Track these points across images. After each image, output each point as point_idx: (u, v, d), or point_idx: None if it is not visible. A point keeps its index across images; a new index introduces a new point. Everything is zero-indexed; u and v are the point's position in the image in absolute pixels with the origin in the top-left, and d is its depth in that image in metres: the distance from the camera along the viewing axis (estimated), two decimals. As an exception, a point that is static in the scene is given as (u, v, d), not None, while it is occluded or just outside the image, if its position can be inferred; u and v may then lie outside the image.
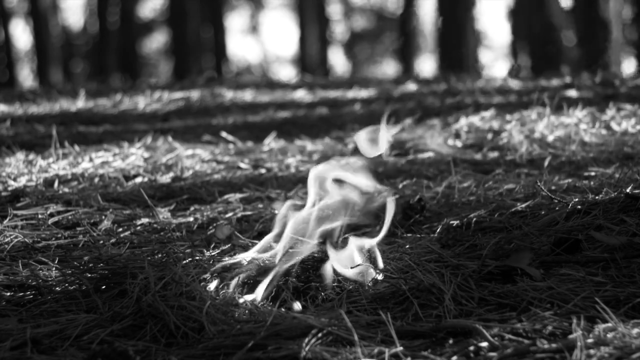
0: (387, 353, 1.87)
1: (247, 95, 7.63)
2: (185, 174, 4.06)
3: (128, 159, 4.37)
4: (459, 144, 4.69)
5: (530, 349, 1.84)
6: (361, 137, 2.52)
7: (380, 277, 2.36)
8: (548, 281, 2.27)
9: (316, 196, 2.42)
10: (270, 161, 4.46)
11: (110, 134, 5.45)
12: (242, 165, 4.34)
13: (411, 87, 7.79)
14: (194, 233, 3.13)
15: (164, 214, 3.32)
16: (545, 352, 1.83)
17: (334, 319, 2.01)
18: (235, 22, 46.12)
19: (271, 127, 5.59)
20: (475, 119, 5.09)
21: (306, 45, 24.37)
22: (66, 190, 3.69)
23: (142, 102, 7.02)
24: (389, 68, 31.92)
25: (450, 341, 1.94)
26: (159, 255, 2.62)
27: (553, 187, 3.38)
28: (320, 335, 1.94)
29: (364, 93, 7.57)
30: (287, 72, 32.31)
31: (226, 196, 3.61)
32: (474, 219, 2.93)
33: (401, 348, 1.89)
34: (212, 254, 2.69)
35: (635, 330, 1.89)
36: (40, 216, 3.28)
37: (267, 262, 2.35)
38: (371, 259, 2.40)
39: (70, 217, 3.30)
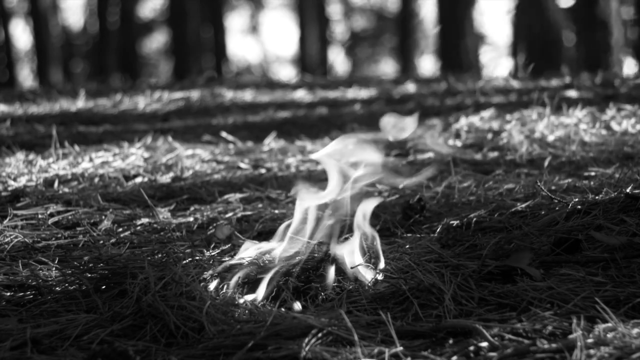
0: (387, 353, 1.87)
1: (247, 95, 7.63)
2: (185, 174, 4.06)
3: (128, 159, 4.37)
4: (459, 144, 4.69)
5: (530, 349, 1.84)
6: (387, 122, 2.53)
7: (380, 277, 2.36)
8: (548, 281, 2.27)
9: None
10: (270, 161, 4.46)
11: (110, 134, 5.45)
12: (242, 165, 4.34)
13: (411, 87, 7.79)
14: (194, 233, 3.13)
15: (164, 214, 3.32)
16: (545, 352, 1.83)
17: (334, 319, 2.01)
18: (235, 22, 46.12)
19: (271, 127, 5.59)
20: (475, 119, 5.09)
21: (306, 45, 24.37)
22: (66, 190, 3.69)
23: (142, 102, 7.02)
24: (388, 67, 31.93)
25: (450, 341, 1.94)
26: (159, 255, 2.62)
27: (553, 187, 3.38)
28: (320, 335, 1.94)
29: (363, 93, 7.57)
30: (287, 72, 32.32)
31: (226, 196, 3.61)
32: (474, 219, 2.93)
33: (401, 348, 1.89)
34: (212, 254, 2.69)
35: (635, 330, 1.89)
36: (40, 216, 3.28)
37: (267, 262, 2.35)
38: (372, 258, 2.40)
39: (70, 217, 3.30)
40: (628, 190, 2.82)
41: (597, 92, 6.50)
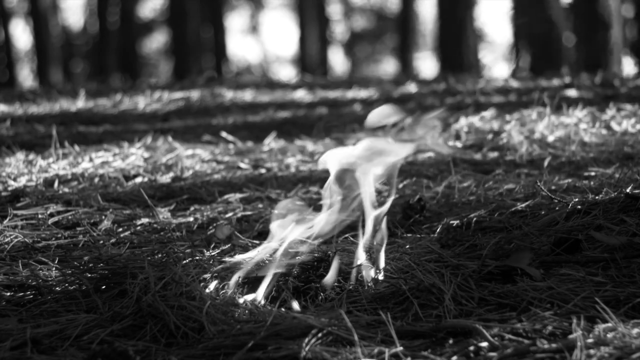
0: (387, 353, 1.87)
1: (247, 95, 7.63)
2: (185, 174, 4.06)
3: (128, 159, 4.37)
4: (459, 144, 4.69)
5: (530, 349, 1.84)
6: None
7: (380, 277, 2.36)
8: (548, 281, 2.27)
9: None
10: (270, 161, 4.46)
11: (110, 134, 5.45)
12: (242, 165, 4.34)
13: (411, 87, 7.79)
14: (194, 233, 3.13)
15: (164, 214, 3.32)
16: (545, 352, 1.83)
17: (334, 319, 2.01)
18: (235, 22, 46.11)
19: (271, 127, 5.59)
20: (475, 119, 5.09)
21: (306, 45, 24.36)
22: (66, 190, 3.69)
23: (142, 102, 7.02)
24: (388, 67, 31.92)
25: (450, 341, 1.94)
26: (159, 255, 2.62)
27: (553, 187, 3.38)
28: (320, 335, 1.94)
29: (363, 93, 7.57)
30: (287, 72, 32.31)
31: (226, 196, 3.61)
32: (474, 219, 2.93)
33: (401, 348, 1.89)
34: (212, 254, 2.69)
35: (635, 330, 1.89)
36: (40, 216, 3.28)
37: (267, 262, 2.35)
38: (372, 258, 2.40)
39: (70, 217, 3.30)
40: (628, 190, 2.82)
41: (597, 92, 6.50)
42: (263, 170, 4.22)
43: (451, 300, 2.17)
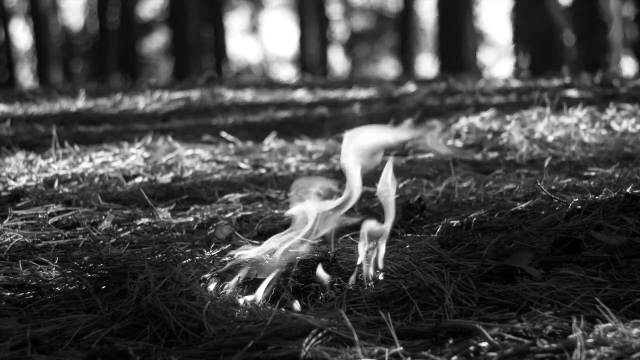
0: (387, 353, 1.87)
1: (247, 95, 7.63)
2: (185, 174, 4.06)
3: (128, 159, 4.37)
4: (459, 144, 4.69)
5: (530, 349, 1.84)
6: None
7: (380, 277, 2.36)
8: (548, 281, 2.27)
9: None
10: (270, 161, 4.46)
11: (110, 134, 5.45)
12: (242, 165, 4.34)
13: (411, 87, 7.79)
14: (194, 233, 3.13)
15: (164, 214, 3.32)
16: (545, 352, 1.83)
17: (334, 319, 2.01)
18: (235, 22, 46.12)
19: (271, 127, 5.59)
20: (475, 119, 5.09)
21: (306, 45, 24.36)
22: (66, 190, 3.69)
23: (142, 102, 7.02)
24: (388, 67, 31.92)
25: (450, 341, 1.94)
26: (159, 255, 2.62)
27: (553, 187, 3.38)
28: (320, 335, 1.94)
29: (363, 93, 7.57)
30: (287, 72, 32.31)
31: (226, 196, 3.61)
32: (474, 219, 2.93)
33: (401, 348, 1.89)
34: (212, 254, 2.69)
35: (635, 330, 1.89)
36: (40, 216, 3.28)
37: (267, 262, 2.35)
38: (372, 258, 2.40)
39: (70, 217, 3.30)
40: (628, 190, 2.82)
41: (597, 92, 6.50)
42: (263, 170, 4.22)
43: (451, 300, 2.17)
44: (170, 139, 4.95)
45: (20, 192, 3.61)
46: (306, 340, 1.91)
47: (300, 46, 24.78)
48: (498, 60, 30.82)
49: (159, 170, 4.13)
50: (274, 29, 56.82)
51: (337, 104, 6.99)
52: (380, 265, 2.39)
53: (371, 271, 2.36)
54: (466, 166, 4.10)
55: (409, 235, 2.94)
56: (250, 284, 2.29)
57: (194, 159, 4.45)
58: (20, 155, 4.42)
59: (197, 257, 2.56)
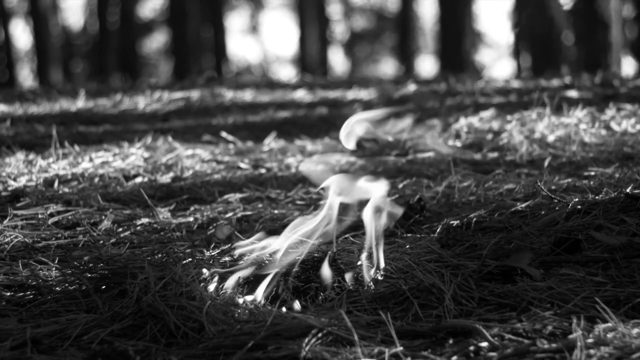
0: (387, 353, 1.87)
1: (247, 95, 7.63)
2: (185, 174, 4.06)
3: (128, 159, 4.37)
4: (459, 144, 4.69)
5: (530, 349, 1.84)
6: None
7: (380, 277, 2.36)
8: (548, 281, 2.27)
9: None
10: (270, 161, 4.46)
11: (110, 134, 5.46)
12: (242, 165, 4.34)
13: (411, 87, 7.79)
14: (194, 233, 3.13)
15: (164, 214, 3.32)
16: (545, 352, 1.83)
17: (334, 319, 2.01)
18: (235, 22, 46.12)
19: (271, 127, 5.59)
20: (475, 120, 5.09)
21: (306, 45, 24.36)
22: (66, 190, 3.69)
23: (142, 102, 7.02)
24: (388, 67, 31.92)
25: (450, 341, 1.94)
26: (159, 255, 2.62)
27: (553, 187, 3.38)
28: (320, 335, 1.94)
29: (363, 93, 7.57)
30: (287, 72, 32.31)
31: (226, 196, 3.61)
32: (474, 219, 2.93)
33: (401, 348, 1.89)
34: (212, 254, 2.69)
35: (635, 330, 1.89)
36: (40, 216, 3.28)
37: (267, 262, 2.35)
38: (372, 258, 2.40)
39: (70, 217, 3.30)
40: (628, 190, 2.82)
41: (597, 92, 6.50)
42: (263, 170, 4.22)
43: (451, 300, 2.17)
44: (170, 139, 4.95)
45: (20, 192, 3.61)
46: (306, 340, 1.91)
47: (300, 46, 24.79)
48: (498, 60, 30.83)
49: (159, 170, 4.13)
50: (274, 29, 56.84)
51: (337, 104, 6.99)
52: (382, 264, 2.39)
53: (371, 271, 2.36)
54: (466, 166, 4.10)
55: (409, 235, 2.94)
56: (250, 284, 2.29)
57: (194, 159, 4.45)
58: (20, 155, 4.42)
59: (197, 257, 2.56)
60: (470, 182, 3.66)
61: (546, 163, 4.04)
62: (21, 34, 35.83)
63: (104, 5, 25.03)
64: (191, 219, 3.29)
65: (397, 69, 27.43)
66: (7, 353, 1.99)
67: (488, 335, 1.92)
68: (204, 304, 2.10)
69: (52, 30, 22.91)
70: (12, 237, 2.96)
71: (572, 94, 6.39)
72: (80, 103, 6.94)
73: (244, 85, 8.56)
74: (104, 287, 2.37)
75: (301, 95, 7.66)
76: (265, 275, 2.29)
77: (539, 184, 3.25)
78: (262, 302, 2.22)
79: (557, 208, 2.89)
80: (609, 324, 1.93)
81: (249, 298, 2.23)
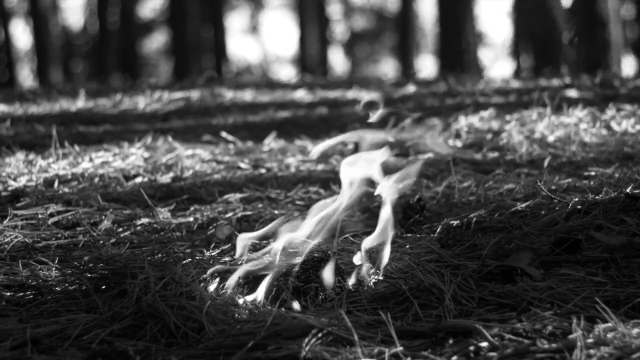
0: (387, 353, 1.87)
1: (247, 95, 7.63)
2: (185, 174, 4.06)
3: (128, 159, 4.37)
4: (459, 144, 4.69)
5: (530, 349, 1.84)
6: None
7: (380, 277, 2.36)
8: (548, 281, 2.27)
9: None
10: (270, 161, 4.46)
11: (110, 134, 5.46)
12: (242, 165, 4.34)
13: (411, 87, 7.79)
14: (194, 233, 3.13)
15: (164, 214, 3.32)
16: (545, 352, 1.83)
17: (334, 319, 2.01)
18: (235, 22, 46.14)
19: (271, 127, 5.59)
20: (475, 119, 5.09)
21: (306, 45, 24.36)
22: (66, 190, 3.69)
23: (142, 102, 7.02)
24: (388, 67, 31.94)
25: (450, 341, 1.94)
26: (159, 255, 2.62)
27: (553, 187, 3.38)
28: (320, 335, 1.94)
29: (364, 93, 7.57)
30: (287, 72, 32.32)
31: (226, 196, 3.61)
32: (474, 219, 2.93)
33: (401, 348, 1.89)
34: (212, 254, 2.69)
35: (635, 330, 1.89)
36: (40, 216, 3.28)
37: (267, 262, 2.35)
38: (372, 258, 2.40)
39: (70, 217, 3.30)
40: (628, 190, 2.82)
41: (597, 92, 6.50)
42: (263, 170, 4.22)
43: (451, 300, 2.17)
44: (170, 139, 4.95)
45: (20, 192, 3.61)
46: (306, 340, 1.91)
47: (300, 46, 24.79)
48: (498, 60, 30.83)
49: (159, 170, 4.13)
50: (274, 29, 56.84)
51: (337, 104, 6.99)
52: (384, 263, 2.39)
53: (371, 271, 2.36)
54: (466, 166, 4.10)
55: (409, 235, 2.94)
56: (250, 284, 2.29)
57: (194, 159, 4.45)
58: (20, 155, 4.42)
59: (197, 257, 2.56)
60: (470, 182, 3.66)
61: (546, 163, 4.04)
62: (21, 34, 35.86)
63: (104, 5, 25.04)
64: (191, 219, 3.29)
65: (397, 69, 27.43)
66: (7, 353, 1.99)
67: (488, 335, 1.92)
68: (204, 304, 2.10)
69: (52, 30, 22.91)
70: (12, 237, 2.96)
71: (572, 94, 6.39)
72: (80, 103, 6.94)
73: (244, 85, 8.56)
74: (104, 287, 2.37)
75: (301, 95, 7.66)
76: (265, 275, 2.29)
77: (539, 184, 3.25)
78: (262, 302, 2.22)
79: (557, 208, 2.89)
80: (609, 324, 1.93)
81: (249, 298, 2.23)
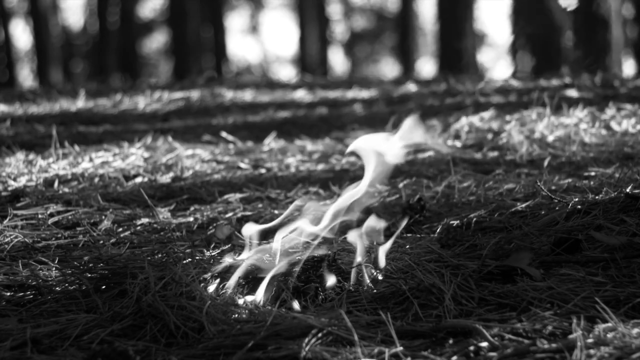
0: (387, 353, 1.87)
1: (247, 95, 7.63)
2: (185, 174, 4.06)
3: (128, 159, 4.37)
4: (458, 144, 4.69)
5: (530, 349, 1.84)
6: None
7: (380, 277, 2.36)
8: (548, 281, 2.27)
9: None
10: (270, 161, 4.46)
11: (110, 134, 5.45)
12: (242, 165, 4.34)
13: (411, 87, 7.79)
14: (194, 233, 3.13)
15: (164, 214, 3.32)
16: (545, 352, 1.83)
17: (334, 319, 2.01)
18: (235, 22, 46.10)
19: (271, 127, 5.59)
20: (475, 119, 5.09)
21: (306, 45, 24.36)
22: (66, 190, 3.69)
23: (142, 102, 7.02)
24: (388, 67, 31.93)
25: (450, 341, 1.94)
26: (159, 255, 2.62)
27: (553, 187, 3.38)
28: (320, 335, 1.94)
29: (364, 93, 7.57)
30: (287, 72, 32.32)
31: (226, 196, 3.61)
32: (474, 219, 2.93)
33: (401, 348, 1.89)
34: (212, 254, 2.69)
35: (635, 330, 1.89)
36: (40, 216, 3.28)
37: (267, 262, 2.35)
38: (372, 258, 2.40)
39: (70, 217, 3.30)
40: (628, 190, 2.82)
41: (597, 92, 6.50)
42: (263, 170, 4.22)
43: (451, 300, 2.17)
44: (170, 139, 4.95)
45: (20, 192, 3.61)
46: (306, 340, 1.91)
47: (300, 46, 24.78)
48: (497, 60, 30.84)
49: (159, 170, 4.13)
50: (274, 29, 56.82)
51: (337, 104, 6.99)
52: (382, 264, 2.39)
53: (371, 271, 2.36)
54: (466, 166, 4.10)
55: (409, 235, 2.94)
56: (250, 284, 2.29)
57: (194, 159, 4.45)
58: (20, 155, 4.42)
59: (197, 257, 2.56)
60: (470, 182, 3.66)
61: (546, 163, 4.04)
62: (21, 34, 35.83)
63: (104, 5, 25.03)
64: (191, 219, 3.29)
65: (397, 69, 27.44)
66: (7, 353, 1.99)
67: (488, 335, 1.92)
68: (204, 304, 2.10)
69: (52, 30, 22.91)
70: (12, 237, 2.96)
71: (572, 93, 6.39)
72: (80, 103, 6.94)
73: (244, 85, 8.56)
74: (104, 287, 2.37)
75: (301, 95, 7.66)
76: (265, 275, 2.29)
77: (538, 184, 3.25)
78: (262, 302, 2.22)
79: (557, 208, 2.89)
80: (609, 324, 1.93)
81: (249, 298, 2.23)
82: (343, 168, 4.24)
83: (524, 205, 3.04)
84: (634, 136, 4.62)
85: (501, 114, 5.26)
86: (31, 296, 2.40)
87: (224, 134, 5.24)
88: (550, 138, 4.56)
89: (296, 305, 2.21)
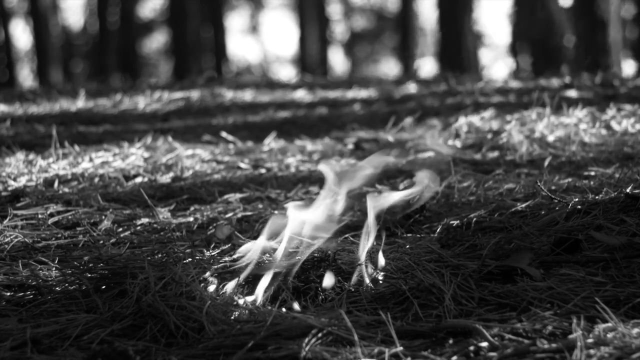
0: (387, 353, 1.87)
1: (247, 95, 7.63)
2: (185, 174, 4.06)
3: (128, 159, 4.37)
4: (458, 144, 4.69)
5: (530, 349, 1.84)
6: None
7: (380, 277, 2.36)
8: (548, 281, 2.27)
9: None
10: (270, 161, 4.46)
11: (110, 134, 5.45)
12: (242, 165, 4.34)
13: (411, 87, 7.79)
14: (194, 233, 3.13)
15: (164, 214, 3.32)
16: (545, 352, 1.83)
17: (334, 319, 2.01)
18: (235, 22, 46.10)
19: (271, 127, 5.59)
20: (475, 119, 5.09)
21: (306, 45, 24.37)
22: (66, 190, 3.69)
23: (142, 102, 7.02)
24: (388, 67, 31.95)
25: (450, 341, 1.94)
26: (159, 255, 2.62)
27: (553, 187, 3.38)
28: (320, 335, 1.94)
29: (364, 93, 7.57)
30: (287, 72, 32.32)
31: (226, 196, 3.61)
32: (474, 219, 2.93)
33: (401, 348, 1.89)
34: (212, 254, 2.69)
35: (635, 330, 1.89)
36: (40, 216, 3.28)
37: (267, 262, 2.35)
38: (372, 258, 2.40)
39: (70, 217, 3.30)
40: (628, 190, 2.82)
41: (597, 92, 6.50)
42: (263, 170, 4.22)
43: (451, 300, 2.17)
44: (170, 139, 4.95)
45: (20, 192, 3.61)
46: (306, 340, 1.91)
47: (300, 46, 24.79)
48: (497, 60, 30.84)
49: (159, 170, 4.13)
50: (274, 29, 56.84)
51: (337, 104, 6.99)
52: (382, 263, 2.39)
53: (371, 271, 2.36)
54: (466, 166, 4.10)
55: (409, 235, 2.94)
56: (250, 284, 2.29)
57: (194, 159, 4.45)
58: (20, 155, 4.42)
59: (197, 257, 2.56)
60: (470, 182, 3.66)
61: (546, 163, 4.04)
62: (21, 34, 35.83)
63: (104, 5, 25.04)
64: (191, 219, 3.29)
65: (397, 69, 27.44)
66: (7, 353, 1.99)
67: (488, 335, 1.92)
68: (204, 304, 2.10)
69: (52, 30, 22.92)
70: (12, 237, 2.96)
71: (572, 93, 6.39)
72: (80, 103, 6.94)
73: (244, 85, 8.56)
74: (104, 287, 2.37)
75: (301, 95, 7.66)
76: (265, 276, 2.29)
77: (538, 184, 3.25)
78: (262, 302, 2.22)
79: (557, 208, 2.89)
80: (609, 324, 1.93)
81: (249, 298, 2.23)
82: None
83: (524, 205, 3.04)
84: (633, 136, 4.62)
85: (501, 114, 5.26)
86: (31, 296, 2.40)
87: (224, 134, 5.24)
88: (550, 138, 4.56)
89: (296, 305, 2.21)
